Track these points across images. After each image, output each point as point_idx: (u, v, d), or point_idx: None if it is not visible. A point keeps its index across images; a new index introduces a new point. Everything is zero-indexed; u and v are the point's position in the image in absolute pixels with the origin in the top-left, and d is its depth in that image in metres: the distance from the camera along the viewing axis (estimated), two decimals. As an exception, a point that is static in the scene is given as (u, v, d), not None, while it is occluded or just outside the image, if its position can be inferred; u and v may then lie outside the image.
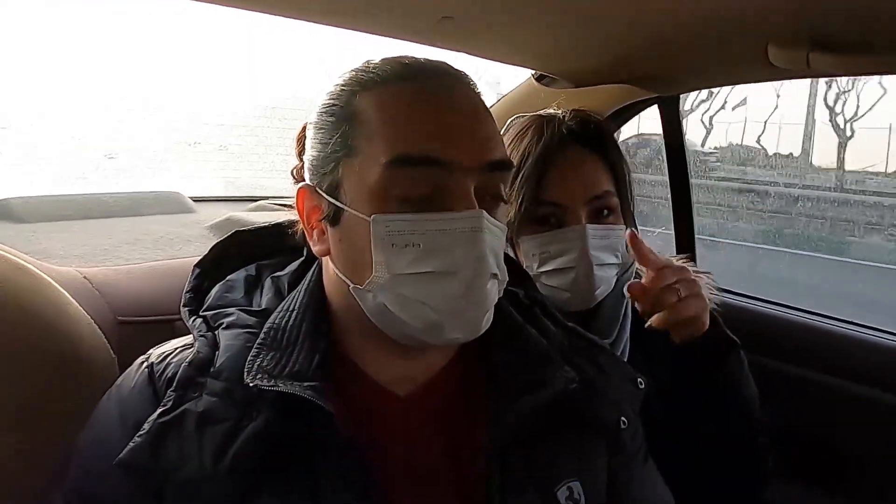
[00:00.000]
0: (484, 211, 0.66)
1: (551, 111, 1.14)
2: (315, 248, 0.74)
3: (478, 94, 0.73)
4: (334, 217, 0.70)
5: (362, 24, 1.15)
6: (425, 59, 0.72)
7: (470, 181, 0.66)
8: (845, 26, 1.01)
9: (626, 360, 1.11)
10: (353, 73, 0.72)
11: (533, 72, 1.56)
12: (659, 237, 1.90)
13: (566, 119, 1.10)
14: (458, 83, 0.71)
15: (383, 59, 0.72)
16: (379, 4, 1.00)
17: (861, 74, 1.86)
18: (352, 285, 0.69)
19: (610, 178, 1.08)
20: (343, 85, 0.72)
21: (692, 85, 1.57)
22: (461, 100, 0.70)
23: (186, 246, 1.41)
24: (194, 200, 1.89)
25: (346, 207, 0.68)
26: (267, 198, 1.98)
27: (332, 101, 0.71)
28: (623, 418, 0.78)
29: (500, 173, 0.70)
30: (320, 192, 0.70)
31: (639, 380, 0.82)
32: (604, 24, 1.15)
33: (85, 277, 1.02)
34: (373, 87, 0.69)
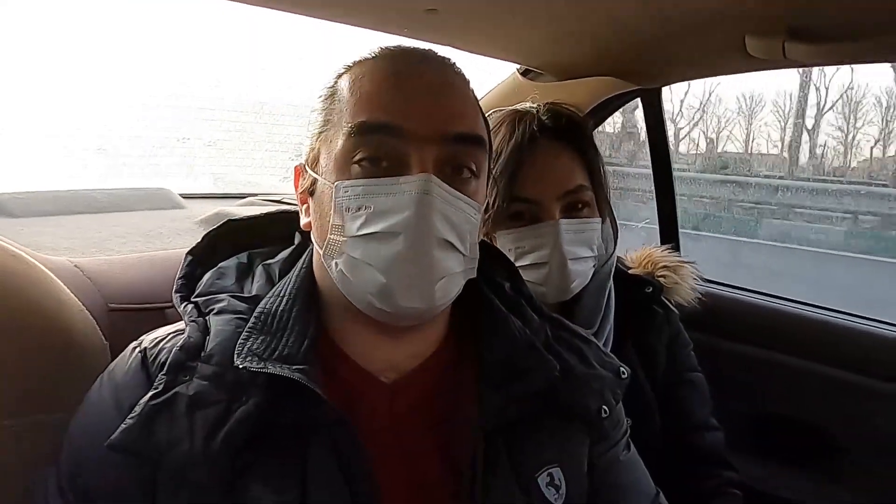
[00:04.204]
0: (433, 175, 0.67)
1: (526, 105, 1.13)
2: (303, 222, 0.77)
3: (455, 74, 0.74)
4: (311, 188, 0.73)
5: (348, 17, 1.17)
6: (412, 47, 0.74)
7: (428, 151, 0.67)
8: (820, 15, 1.04)
9: (608, 350, 1.14)
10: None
11: (518, 66, 1.59)
12: (643, 229, 1.92)
13: (539, 113, 1.10)
14: (433, 62, 0.73)
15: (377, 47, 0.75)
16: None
17: (837, 63, 1.89)
18: (322, 253, 0.71)
19: (584, 172, 1.08)
20: (337, 71, 0.75)
21: (673, 77, 1.60)
22: (429, 75, 0.71)
23: (177, 238, 1.41)
24: (183, 197, 1.88)
25: (318, 177, 0.72)
26: (256, 194, 1.96)
27: (325, 86, 0.75)
28: (604, 407, 0.79)
29: (466, 146, 0.70)
30: (306, 166, 0.75)
31: (621, 369, 0.83)
32: (586, 18, 1.17)
33: (76, 266, 1.02)
34: (353, 66, 0.74)
